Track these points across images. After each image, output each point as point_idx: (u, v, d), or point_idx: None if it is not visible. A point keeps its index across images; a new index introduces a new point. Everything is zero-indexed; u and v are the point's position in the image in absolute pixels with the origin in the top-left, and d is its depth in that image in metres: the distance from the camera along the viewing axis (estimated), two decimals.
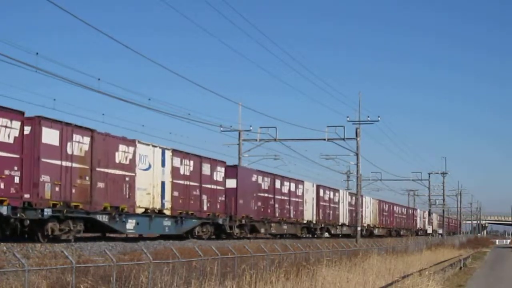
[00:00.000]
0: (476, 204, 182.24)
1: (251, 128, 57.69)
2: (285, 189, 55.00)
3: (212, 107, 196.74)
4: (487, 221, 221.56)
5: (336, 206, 69.11)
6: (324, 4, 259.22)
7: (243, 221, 46.15)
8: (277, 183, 53.54)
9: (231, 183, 44.63)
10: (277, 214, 53.11)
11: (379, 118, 59.01)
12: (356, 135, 57.73)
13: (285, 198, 55.00)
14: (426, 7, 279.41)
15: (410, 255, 48.22)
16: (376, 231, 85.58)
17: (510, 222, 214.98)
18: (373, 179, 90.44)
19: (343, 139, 56.28)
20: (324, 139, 56.73)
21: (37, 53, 26.65)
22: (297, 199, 57.56)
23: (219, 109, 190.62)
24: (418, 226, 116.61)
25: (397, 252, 47.85)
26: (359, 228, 59.96)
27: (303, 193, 59.09)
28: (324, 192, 65.49)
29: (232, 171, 45.20)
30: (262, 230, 50.45)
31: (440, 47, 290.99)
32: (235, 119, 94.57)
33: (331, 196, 67.75)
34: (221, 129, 54.60)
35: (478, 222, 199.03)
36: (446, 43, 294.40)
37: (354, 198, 70.26)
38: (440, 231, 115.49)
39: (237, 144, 57.59)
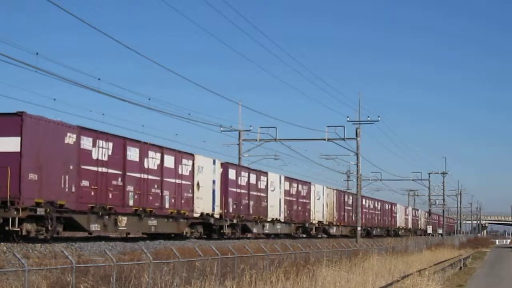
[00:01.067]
0: (476, 204, 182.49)
1: (251, 128, 57.74)
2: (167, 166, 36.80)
3: (212, 107, 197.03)
4: (487, 221, 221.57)
5: (264, 195, 49.64)
6: (324, 4, 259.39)
7: None
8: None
9: None
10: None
11: (379, 118, 59.04)
12: (356, 135, 57.72)
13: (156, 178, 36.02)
14: (426, 7, 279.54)
15: (410, 255, 48.26)
16: (333, 230, 66.68)
17: (510, 222, 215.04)
18: (373, 179, 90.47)
19: (343, 139, 56.27)
20: (324, 139, 56.71)
21: (37, 53, 26.66)
22: (181, 181, 37.68)
23: (219, 109, 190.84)
24: (398, 225, 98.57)
25: (397, 252, 47.87)
26: (359, 228, 59.93)
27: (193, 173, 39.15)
28: (237, 174, 45.36)
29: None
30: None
31: (440, 47, 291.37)
32: (235, 119, 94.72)
33: (251, 181, 47.54)
34: (221, 129, 54.63)
35: (478, 222, 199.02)
36: (446, 43, 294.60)
37: (294, 184, 56.16)
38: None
39: (237, 144, 57.60)
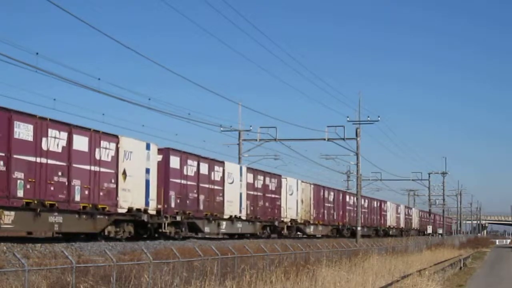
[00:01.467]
0: (476, 204, 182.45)
1: (251, 128, 57.74)
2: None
3: (212, 107, 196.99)
4: (487, 221, 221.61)
5: (219, 188, 42.47)
6: (324, 4, 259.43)
7: None
8: None
9: None
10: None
11: (379, 118, 59.07)
12: (356, 135, 57.74)
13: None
14: (426, 7, 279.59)
15: (410, 255, 48.27)
16: (310, 229, 60.40)
17: (510, 222, 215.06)
18: (373, 179, 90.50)
19: (343, 139, 56.29)
20: (324, 139, 56.73)
21: (37, 53, 26.64)
22: (100, 168, 31.47)
23: (219, 109, 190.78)
24: (389, 224, 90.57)
25: (397, 252, 47.88)
26: (359, 228, 59.97)
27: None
28: (182, 163, 38.33)
29: None
30: None
31: (440, 47, 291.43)
32: (235, 119, 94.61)
33: (201, 171, 40.22)
34: (221, 129, 54.63)
35: (478, 222, 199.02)
36: (446, 43, 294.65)
37: (260, 176, 49.12)
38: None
39: (237, 144, 57.61)
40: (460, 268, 57.22)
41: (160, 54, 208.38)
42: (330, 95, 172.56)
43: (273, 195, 51.04)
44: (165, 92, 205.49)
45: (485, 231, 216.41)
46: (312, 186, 60.26)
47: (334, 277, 26.08)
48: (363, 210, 75.18)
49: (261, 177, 49.21)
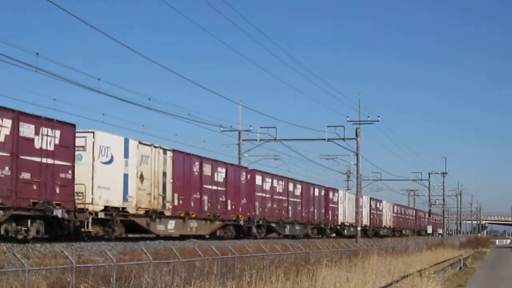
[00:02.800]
0: (476, 204, 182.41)
1: (251, 128, 57.77)
2: None
3: (212, 107, 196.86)
4: (487, 221, 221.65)
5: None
6: (324, 4, 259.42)
7: None
8: None
9: None
10: None
11: (379, 118, 59.09)
12: (356, 135, 57.76)
13: None
14: (426, 7, 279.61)
15: (410, 255, 48.25)
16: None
17: (510, 222, 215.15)
18: (373, 179, 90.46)
19: (343, 139, 56.32)
20: (324, 139, 56.76)
21: (37, 53, 26.63)
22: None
23: (219, 109, 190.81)
24: (342, 220, 69.57)
25: (397, 252, 47.88)
26: (359, 228, 59.99)
27: None
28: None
29: None
30: None
31: (440, 47, 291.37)
32: (235, 119, 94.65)
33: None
34: (221, 129, 54.67)
35: (478, 222, 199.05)
36: (446, 43, 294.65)
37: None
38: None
39: (237, 144, 57.62)
40: (460, 268, 57.23)
41: (160, 54, 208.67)
42: (330, 95, 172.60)
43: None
44: (165, 92, 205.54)
45: (485, 231, 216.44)
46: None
47: (334, 277, 26.08)
48: (292, 199, 54.85)
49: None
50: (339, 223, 69.07)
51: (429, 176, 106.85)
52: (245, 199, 46.53)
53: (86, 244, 27.56)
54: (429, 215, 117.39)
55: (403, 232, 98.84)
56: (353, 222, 69.77)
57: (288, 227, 54.10)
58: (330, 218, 65.79)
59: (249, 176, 47.76)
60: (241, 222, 45.75)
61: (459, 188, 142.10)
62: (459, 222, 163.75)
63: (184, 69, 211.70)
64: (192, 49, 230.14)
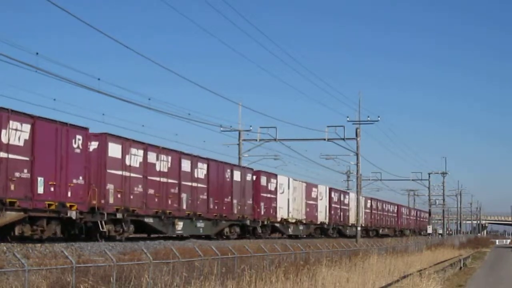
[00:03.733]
0: (476, 204, 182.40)
1: (251, 128, 57.79)
2: None
3: (212, 107, 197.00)
4: (487, 221, 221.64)
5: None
6: (324, 4, 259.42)
7: None
8: None
9: None
10: None
11: (379, 118, 59.13)
12: (356, 135, 57.77)
13: None
14: (426, 7, 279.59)
15: (410, 255, 48.26)
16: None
17: (510, 222, 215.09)
18: (373, 179, 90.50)
19: (343, 139, 56.35)
20: (324, 139, 56.79)
21: (37, 53, 26.66)
22: None
23: (219, 109, 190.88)
24: (281, 215, 51.95)
25: (397, 252, 47.88)
26: (359, 228, 59.98)
27: None
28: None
29: None
30: None
31: (440, 47, 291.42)
32: (235, 119, 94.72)
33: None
34: (221, 129, 54.69)
35: (478, 222, 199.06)
36: (446, 43, 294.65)
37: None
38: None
39: (237, 144, 57.63)
40: (460, 268, 57.23)
41: (160, 54, 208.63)
42: (330, 95, 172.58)
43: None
44: (165, 92, 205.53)
45: (485, 231, 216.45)
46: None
47: (334, 277, 26.08)
48: (196, 185, 40.04)
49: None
50: (279, 219, 51.61)
51: (429, 176, 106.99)
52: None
53: (86, 244, 27.56)
54: (429, 215, 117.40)
55: (380, 231, 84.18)
56: (303, 219, 56.50)
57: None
58: (262, 213, 48.81)
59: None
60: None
61: (459, 188, 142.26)
62: (459, 222, 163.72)
63: (184, 69, 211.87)
64: (192, 49, 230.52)
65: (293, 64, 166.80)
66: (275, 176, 52.62)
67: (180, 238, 38.41)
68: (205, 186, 41.07)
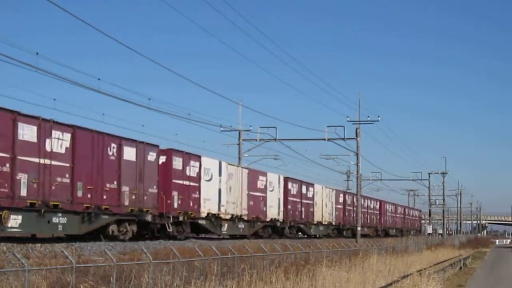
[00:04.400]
0: (476, 204, 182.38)
1: (251, 128, 57.78)
2: None
3: (212, 107, 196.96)
4: (487, 221, 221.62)
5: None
6: (324, 4, 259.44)
7: None
8: None
9: None
10: None
11: (379, 118, 59.10)
12: (356, 135, 57.76)
13: None
14: (426, 7, 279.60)
15: (410, 255, 48.27)
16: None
17: (510, 222, 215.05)
18: (373, 179, 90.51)
19: (343, 139, 56.33)
20: (324, 139, 56.78)
21: (37, 53, 26.65)
22: None
23: (219, 109, 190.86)
24: (205, 210, 40.58)
25: (397, 252, 47.88)
26: (359, 228, 59.96)
27: None
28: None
29: None
30: None
31: (440, 47, 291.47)
32: (235, 119, 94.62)
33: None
34: (221, 129, 54.68)
35: (478, 222, 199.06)
36: (446, 43, 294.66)
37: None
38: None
39: (237, 144, 57.63)
40: (460, 268, 57.25)
41: (160, 54, 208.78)
42: (330, 95, 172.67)
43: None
44: (165, 92, 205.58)
45: (485, 231, 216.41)
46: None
47: (334, 277, 26.08)
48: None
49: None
50: (204, 215, 40.49)
51: (429, 176, 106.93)
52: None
53: (86, 244, 27.57)
54: (430, 215, 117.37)
55: (345, 232, 68.93)
56: (244, 215, 45.58)
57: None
58: (175, 205, 37.66)
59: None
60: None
61: (459, 188, 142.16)
62: (459, 222, 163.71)
63: (184, 69, 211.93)
64: (192, 49, 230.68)
65: (293, 64, 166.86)
66: (198, 157, 40.33)
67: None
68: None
